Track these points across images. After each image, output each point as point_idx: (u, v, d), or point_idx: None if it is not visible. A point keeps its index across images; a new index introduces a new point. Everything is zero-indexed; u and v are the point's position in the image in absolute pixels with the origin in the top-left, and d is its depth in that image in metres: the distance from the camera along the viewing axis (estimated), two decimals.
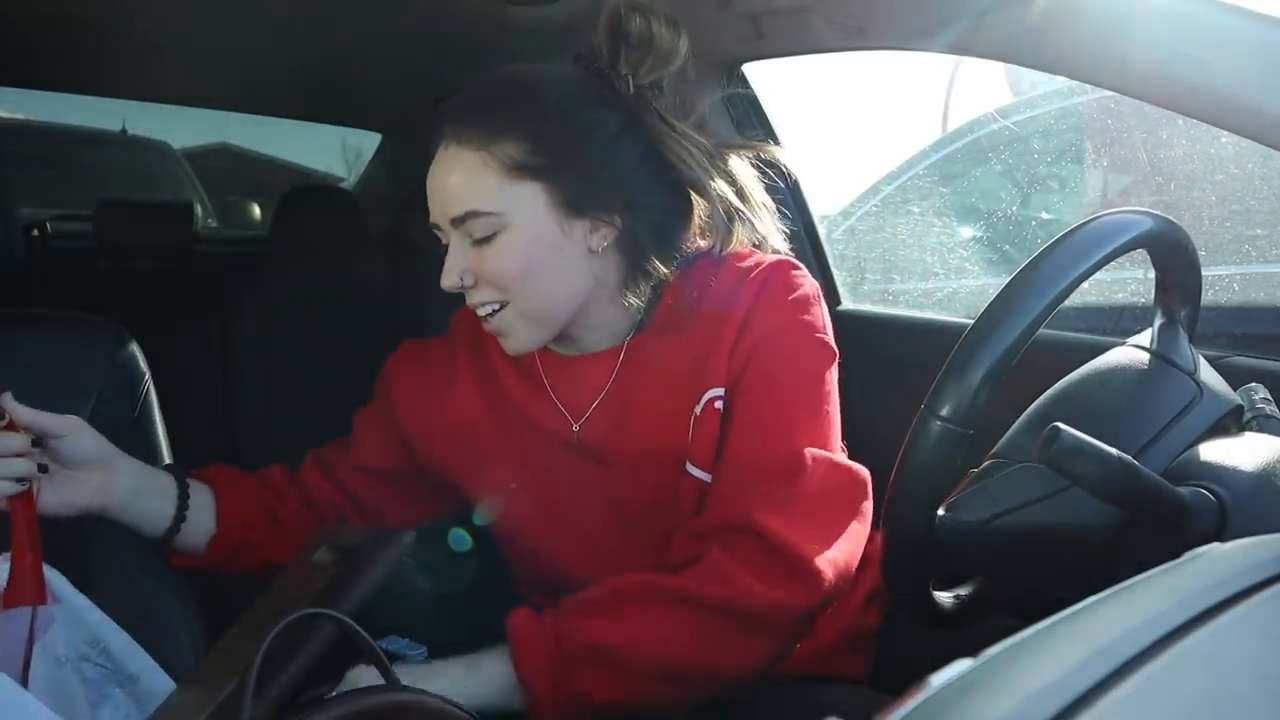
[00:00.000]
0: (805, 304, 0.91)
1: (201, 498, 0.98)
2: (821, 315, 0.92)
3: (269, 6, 1.58)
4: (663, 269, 0.91)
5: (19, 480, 0.83)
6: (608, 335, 0.95)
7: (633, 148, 0.88)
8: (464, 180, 0.85)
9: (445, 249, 0.89)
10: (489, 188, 0.84)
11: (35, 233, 2.56)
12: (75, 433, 0.89)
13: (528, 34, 1.50)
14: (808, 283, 0.93)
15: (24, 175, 3.30)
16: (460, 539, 0.90)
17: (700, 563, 0.82)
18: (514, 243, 0.85)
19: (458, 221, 0.86)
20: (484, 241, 0.85)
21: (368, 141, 2.85)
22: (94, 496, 0.90)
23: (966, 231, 2.44)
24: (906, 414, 0.68)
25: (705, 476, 0.90)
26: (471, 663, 0.82)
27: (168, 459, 1.06)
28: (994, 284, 1.39)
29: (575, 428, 0.95)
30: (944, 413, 0.63)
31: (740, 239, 0.94)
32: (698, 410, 0.90)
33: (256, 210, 4.37)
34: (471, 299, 0.89)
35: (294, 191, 2.66)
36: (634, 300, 0.92)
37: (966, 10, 0.98)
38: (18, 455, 0.84)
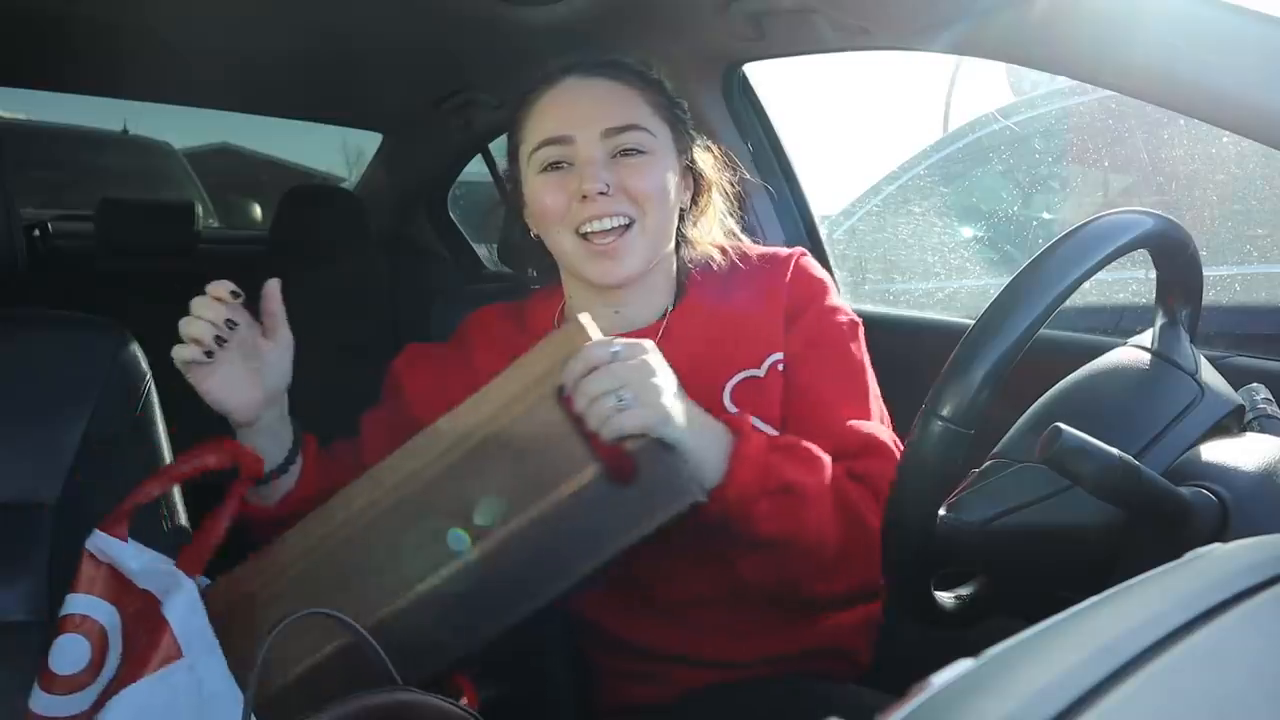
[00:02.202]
0: (830, 287, 1.02)
1: (303, 460, 0.99)
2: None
3: (270, 7, 1.58)
4: (702, 244, 1.03)
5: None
6: (649, 307, 1.02)
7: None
8: (626, 101, 0.97)
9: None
10: (645, 114, 0.97)
11: (36, 233, 2.56)
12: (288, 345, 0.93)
13: (528, 34, 1.50)
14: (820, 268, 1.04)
15: (25, 175, 3.31)
16: (459, 539, 0.90)
17: (863, 486, 0.89)
18: (655, 165, 0.96)
19: (614, 132, 0.95)
20: (628, 155, 0.95)
21: (369, 141, 2.85)
22: (247, 405, 0.92)
23: (968, 231, 2.44)
24: (908, 414, 0.67)
25: (775, 433, 0.95)
26: (714, 423, 0.86)
27: (169, 459, 1.06)
28: (995, 284, 1.39)
29: None
30: (945, 412, 0.63)
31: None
32: (760, 373, 0.97)
33: (258, 210, 4.37)
34: (602, 208, 0.93)
35: (295, 191, 2.66)
36: (674, 271, 1.03)
37: (968, 10, 0.98)
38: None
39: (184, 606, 0.78)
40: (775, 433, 0.95)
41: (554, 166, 0.95)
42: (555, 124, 0.95)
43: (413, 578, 0.82)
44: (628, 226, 0.94)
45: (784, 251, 1.04)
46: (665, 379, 0.82)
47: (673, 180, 0.98)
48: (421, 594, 0.82)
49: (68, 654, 0.78)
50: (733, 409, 0.96)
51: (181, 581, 0.79)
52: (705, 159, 1.04)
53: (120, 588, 0.80)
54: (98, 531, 0.81)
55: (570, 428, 0.80)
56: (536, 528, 0.80)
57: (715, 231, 1.05)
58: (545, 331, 1.04)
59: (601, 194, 0.92)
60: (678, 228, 1.03)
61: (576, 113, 0.95)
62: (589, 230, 0.94)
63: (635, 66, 1.01)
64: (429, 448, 0.84)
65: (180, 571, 0.80)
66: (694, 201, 1.04)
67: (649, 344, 0.82)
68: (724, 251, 1.04)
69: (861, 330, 1.02)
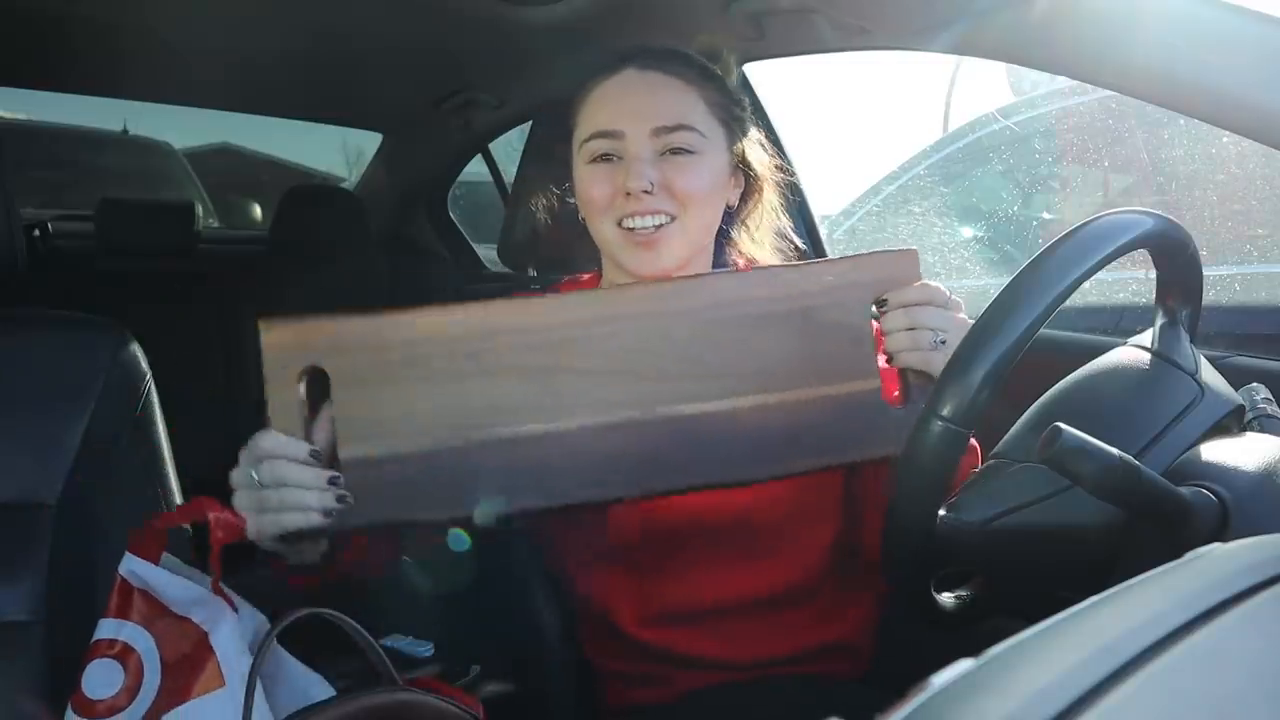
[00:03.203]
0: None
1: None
2: None
3: (270, 7, 1.58)
4: (743, 244, 1.04)
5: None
6: None
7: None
8: (680, 99, 0.97)
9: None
10: (700, 114, 0.97)
11: (36, 233, 2.56)
12: None
13: (528, 34, 1.50)
14: None
15: (25, 175, 3.31)
16: (459, 539, 0.90)
17: None
18: (703, 166, 0.96)
19: (664, 130, 0.95)
20: (676, 154, 0.95)
21: (369, 141, 2.86)
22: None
23: (968, 231, 2.44)
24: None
25: None
26: None
27: (169, 459, 1.06)
28: (995, 284, 1.39)
29: None
30: (945, 413, 0.63)
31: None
32: None
33: (258, 210, 4.37)
34: (645, 205, 0.94)
35: (295, 191, 2.66)
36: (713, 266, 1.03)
37: (968, 10, 0.98)
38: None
39: (229, 637, 0.77)
40: None
41: (603, 158, 0.96)
42: (607, 117, 0.97)
43: (643, 400, 0.80)
44: (669, 223, 0.95)
45: None
46: None
47: (720, 180, 0.98)
48: (642, 419, 0.79)
49: (100, 679, 0.77)
50: None
51: (225, 611, 0.78)
52: (759, 157, 1.03)
53: (155, 613, 0.79)
54: (131, 556, 0.80)
55: (872, 336, 0.83)
56: (794, 409, 0.81)
57: (765, 236, 1.05)
58: None
59: (646, 192, 0.93)
60: (725, 227, 1.03)
61: (628, 107, 0.96)
62: (631, 225, 0.95)
63: (697, 61, 1.00)
64: (695, 293, 0.83)
65: (224, 600, 0.79)
66: (744, 200, 1.04)
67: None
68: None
69: None
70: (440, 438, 0.78)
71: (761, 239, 1.06)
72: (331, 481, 0.77)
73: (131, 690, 0.77)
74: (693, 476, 0.80)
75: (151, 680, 0.77)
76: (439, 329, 0.80)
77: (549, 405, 0.79)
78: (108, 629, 0.78)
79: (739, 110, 1.01)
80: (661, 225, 0.95)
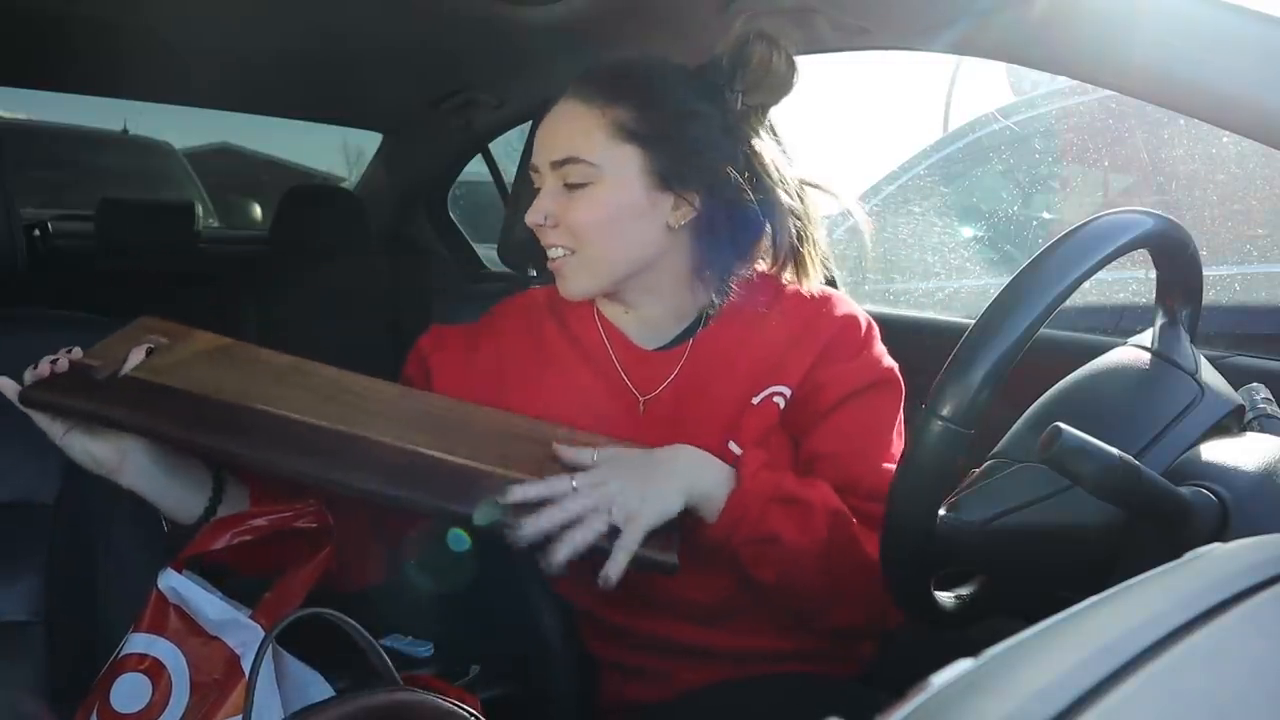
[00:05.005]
0: (875, 338, 1.00)
1: (237, 491, 0.94)
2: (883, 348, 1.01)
3: (269, 7, 1.58)
4: (733, 264, 0.97)
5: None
6: (669, 314, 1.01)
7: (729, 146, 0.95)
8: (573, 129, 0.94)
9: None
10: (594, 141, 0.93)
11: (36, 233, 2.56)
12: None
13: (528, 34, 1.50)
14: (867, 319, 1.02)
15: (25, 175, 3.31)
16: (459, 539, 0.90)
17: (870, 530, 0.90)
18: (601, 196, 0.93)
19: (557, 165, 0.94)
20: (575, 188, 0.93)
21: (369, 141, 2.86)
22: (112, 454, 0.87)
23: (968, 231, 2.44)
24: (908, 414, 0.68)
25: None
26: (716, 472, 0.91)
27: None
28: (995, 284, 1.39)
29: (641, 405, 0.99)
30: (945, 412, 0.63)
31: (789, 271, 1.01)
32: (755, 400, 0.96)
33: (258, 210, 4.38)
34: (546, 238, 0.96)
35: (295, 191, 2.66)
36: (702, 289, 0.99)
37: (968, 10, 0.98)
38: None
39: (260, 664, 0.77)
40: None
41: (537, 190, 0.97)
42: (533, 151, 0.97)
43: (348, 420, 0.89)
44: (568, 255, 0.95)
45: (839, 298, 1.02)
46: (641, 477, 0.86)
47: (629, 205, 0.93)
48: (342, 431, 0.88)
49: (128, 693, 0.77)
50: (734, 447, 0.95)
51: (259, 636, 0.78)
52: (707, 162, 0.94)
53: (188, 631, 0.79)
54: (171, 572, 0.80)
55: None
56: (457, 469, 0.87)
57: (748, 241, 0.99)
58: (582, 331, 1.03)
59: (540, 225, 0.94)
60: (714, 248, 0.96)
61: (541, 141, 0.96)
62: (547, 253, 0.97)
63: (613, 81, 0.94)
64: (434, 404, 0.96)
65: (259, 626, 0.79)
66: (711, 209, 0.95)
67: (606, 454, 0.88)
68: (773, 283, 1.01)
69: (900, 391, 1.00)
70: (207, 391, 0.90)
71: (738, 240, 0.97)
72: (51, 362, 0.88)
73: (159, 706, 0.77)
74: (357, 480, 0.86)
75: (179, 699, 0.77)
76: (259, 358, 0.99)
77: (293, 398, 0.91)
78: (139, 643, 0.78)
79: (670, 124, 0.93)
80: (562, 257, 0.95)
